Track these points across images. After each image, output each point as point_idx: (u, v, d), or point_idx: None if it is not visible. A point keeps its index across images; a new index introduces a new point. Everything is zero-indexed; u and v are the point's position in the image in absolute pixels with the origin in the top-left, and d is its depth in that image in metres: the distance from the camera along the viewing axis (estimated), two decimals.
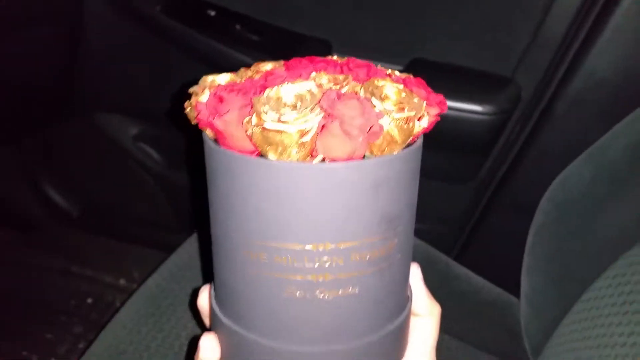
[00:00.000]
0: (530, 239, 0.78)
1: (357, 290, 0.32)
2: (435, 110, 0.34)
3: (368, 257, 0.31)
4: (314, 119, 0.28)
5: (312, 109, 0.28)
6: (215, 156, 0.32)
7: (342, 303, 0.32)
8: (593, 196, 0.68)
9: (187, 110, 0.35)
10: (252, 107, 0.29)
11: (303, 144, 0.28)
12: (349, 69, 0.35)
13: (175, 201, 1.20)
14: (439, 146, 0.85)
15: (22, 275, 1.25)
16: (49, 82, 0.97)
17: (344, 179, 0.29)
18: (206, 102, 0.32)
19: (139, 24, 0.91)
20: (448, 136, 0.83)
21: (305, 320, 0.32)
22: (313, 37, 0.89)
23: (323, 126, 0.29)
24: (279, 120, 0.28)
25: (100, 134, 1.11)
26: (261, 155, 0.30)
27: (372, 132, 0.29)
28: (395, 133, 0.30)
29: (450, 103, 0.80)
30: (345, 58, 0.37)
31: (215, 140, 0.32)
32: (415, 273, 0.41)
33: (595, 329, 0.59)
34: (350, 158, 0.29)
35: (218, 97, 0.31)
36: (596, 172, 0.68)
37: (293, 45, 0.88)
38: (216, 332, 0.37)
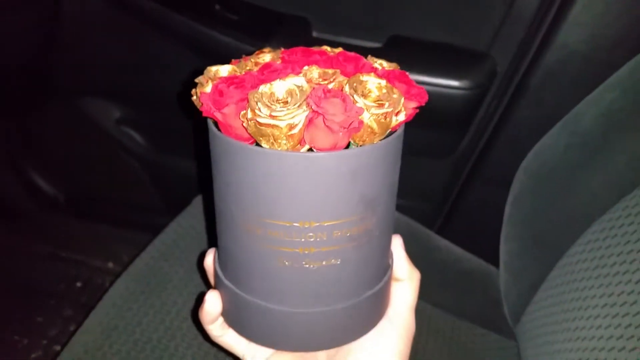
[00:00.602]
0: (507, 208, 0.80)
1: (338, 262, 0.37)
2: (413, 104, 0.37)
3: (348, 233, 0.36)
4: (301, 115, 0.32)
5: (299, 106, 0.32)
6: (217, 141, 0.36)
7: (325, 272, 0.37)
8: (567, 165, 0.70)
9: (194, 98, 0.39)
10: (248, 102, 0.33)
11: (291, 135, 0.32)
12: (339, 62, 0.39)
13: (161, 183, 1.20)
14: (418, 122, 0.86)
15: (10, 260, 1.25)
16: (29, 65, 0.97)
17: (326, 166, 0.33)
18: (208, 95, 0.35)
19: (119, 6, 0.91)
20: (426, 112, 0.84)
21: (294, 286, 0.37)
22: (292, 15, 0.89)
23: (310, 120, 0.32)
24: (270, 116, 0.32)
25: (83, 118, 1.11)
26: (257, 143, 0.34)
27: (352, 127, 0.32)
28: (375, 126, 0.34)
29: (427, 79, 0.81)
30: (338, 50, 0.41)
31: (218, 127, 0.36)
32: (397, 242, 0.46)
33: (570, 293, 0.61)
34: (332, 148, 0.33)
35: (219, 91, 0.35)
36: (570, 141, 0.70)
37: (272, 24, 0.89)
38: (220, 290, 0.42)
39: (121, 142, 1.13)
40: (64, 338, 1.09)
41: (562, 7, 0.73)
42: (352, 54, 0.40)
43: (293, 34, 0.89)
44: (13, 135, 1.21)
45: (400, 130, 0.38)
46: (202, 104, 0.35)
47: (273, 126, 0.32)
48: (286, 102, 0.33)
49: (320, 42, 0.88)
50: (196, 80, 0.39)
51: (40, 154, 1.25)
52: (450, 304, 0.76)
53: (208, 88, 0.36)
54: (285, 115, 0.32)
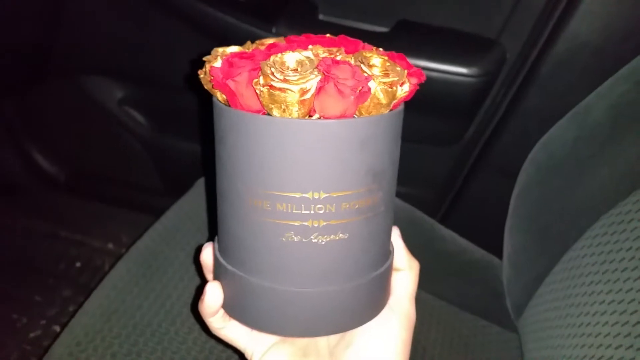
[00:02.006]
0: (513, 200, 0.79)
1: (346, 236, 0.37)
2: (414, 80, 0.38)
3: (357, 206, 0.36)
4: (313, 80, 0.33)
5: (311, 72, 0.33)
6: (226, 116, 0.36)
7: (334, 247, 0.37)
8: (575, 157, 0.69)
9: (201, 76, 0.39)
10: (260, 70, 0.33)
11: (303, 101, 0.33)
12: (341, 44, 0.40)
13: (162, 165, 1.19)
14: (425, 109, 0.86)
15: (9, 239, 1.25)
16: (31, 42, 0.96)
17: (336, 134, 0.34)
18: (219, 68, 0.36)
19: None
20: (433, 99, 0.84)
21: (302, 262, 0.37)
22: None
23: (320, 88, 0.33)
24: (284, 80, 0.32)
25: (85, 97, 1.10)
26: (266, 114, 0.35)
27: (362, 92, 0.33)
28: (381, 96, 0.34)
29: (435, 65, 0.80)
30: (338, 37, 0.42)
31: (225, 104, 0.37)
32: (395, 232, 0.45)
33: (575, 288, 0.60)
34: (342, 116, 0.34)
35: (229, 62, 0.35)
36: (578, 133, 0.69)
37: (278, 6, 0.87)
38: (220, 281, 0.42)
39: (123, 122, 1.13)
40: (63, 318, 1.09)
41: None
42: (352, 39, 0.41)
43: (299, 16, 0.87)
44: (14, 113, 1.20)
45: (402, 106, 0.39)
46: (212, 77, 0.36)
47: (286, 90, 0.32)
48: (297, 70, 0.33)
49: (327, 25, 0.87)
50: (204, 58, 0.39)
51: (42, 132, 1.24)
52: (452, 295, 0.76)
53: (218, 63, 0.37)
54: (299, 79, 0.32)
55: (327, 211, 0.35)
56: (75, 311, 0.64)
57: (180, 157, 1.14)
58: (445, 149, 0.96)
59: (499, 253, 0.82)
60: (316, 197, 0.35)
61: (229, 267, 0.40)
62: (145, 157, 1.18)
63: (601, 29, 0.73)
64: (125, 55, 1.01)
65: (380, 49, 0.40)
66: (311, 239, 0.36)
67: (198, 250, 0.69)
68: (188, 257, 0.70)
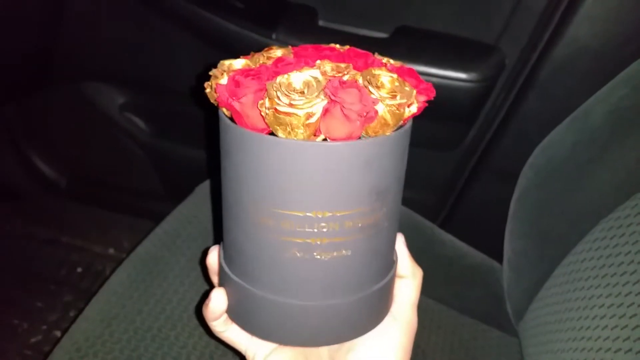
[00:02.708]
0: (512, 204, 0.79)
1: (349, 253, 0.37)
2: (423, 98, 0.38)
3: (360, 224, 0.36)
4: (319, 104, 0.33)
5: (317, 95, 0.33)
6: (231, 133, 0.36)
7: (336, 263, 0.37)
8: (574, 162, 0.69)
9: (207, 90, 0.39)
10: (266, 91, 0.33)
11: (309, 125, 0.33)
12: (350, 58, 0.39)
13: (163, 170, 1.20)
14: (424, 114, 0.85)
15: (11, 244, 1.25)
16: (32, 47, 0.96)
17: (341, 155, 0.34)
18: (225, 86, 0.35)
19: None
20: (433, 104, 0.83)
21: (305, 278, 0.37)
22: (298, 4, 0.88)
23: (326, 110, 0.33)
24: (290, 105, 0.32)
25: (86, 102, 1.10)
26: (271, 133, 0.34)
27: (368, 116, 0.33)
28: (388, 117, 0.34)
29: (434, 70, 0.80)
30: (347, 47, 0.42)
31: (231, 118, 0.36)
32: (400, 240, 0.45)
33: (575, 292, 0.60)
34: (348, 138, 0.34)
35: (235, 81, 0.35)
36: (578, 137, 0.69)
37: (278, 12, 0.88)
38: (225, 287, 0.42)
39: (124, 128, 1.13)
40: (64, 323, 1.09)
41: (574, 0, 0.72)
42: (362, 50, 0.41)
43: (299, 22, 0.88)
44: (15, 118, 1.20)
45: (409, 124, 0.38)
46: (217, 94, 0.36)
47: (292, 115, 0.32)
48: (303, 92, 0.33)
49: (326, 31, 0.88)
50: (210, 73, 0.39)
51: (43, 138, 1.25)
52: (452, 299, 0.76)
53: (223, 80, 0.37)
54: (304, 104, 0.32)
55: (330, 229, 0.36)
56: (77, 316, 0.64)
57: (181, 163, 1.14)
58: (446, 154, 0.96)
59: (499, 257, 0.82)
60: (320, 216, 0.35)
61: (234, 277, 0.41)
62: (146, 163, 1.18)
63: (600, 34, 0.73)
64: (126, 61, 1.02)
65: (390, 62, 0.40)
66: (314, 255, 0.36)
67: (204, 253, 0.70)
68: (188, 262, 0.70)
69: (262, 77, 0.35)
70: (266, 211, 0.36)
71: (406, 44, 0.84)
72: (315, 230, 0.35)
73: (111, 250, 1.26)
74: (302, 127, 0.33)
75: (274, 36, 0.85)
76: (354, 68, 0.37)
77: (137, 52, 0.99)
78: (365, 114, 0.33)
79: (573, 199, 0.67)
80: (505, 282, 0.79)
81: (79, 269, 1.22)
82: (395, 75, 0.36)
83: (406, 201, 0.87)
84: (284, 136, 0.34)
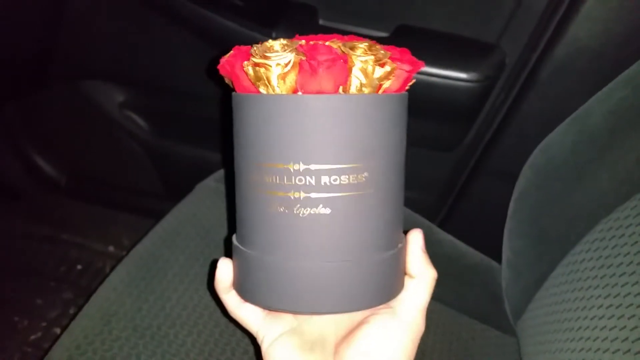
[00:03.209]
0: (512, 204, 0.79)
1: (327, 211, 0.38)
2: (407, 67, 0.40)
3: (337, 181, 0.38)
4: (289, 56, 0.37)
5: (289, 50, 0.37)
6: (233, 100, 0.41)
7: (315, 221, 0.38)
8: (574, 162, 0.69)
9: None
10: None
11: (283, 76, 0.37)
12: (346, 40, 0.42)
13: (163, 168, 1.20)
14: (424, 114, 0.86)
15: (10, 242, 1.25)
16: (32, 46, 0.96)
17: (311, 107, 0.37)
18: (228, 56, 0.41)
19: None
20: (433, 103, 0.84)
21: (289, 235, 0.39)
22: (299, 3, 0.88)
23: (301, 66, 0.37)
24: (263, 56, 0.37)
25: (86, 101, 1.11)
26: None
27: (336, 67, 0.36)
28: (359, 73, 0.37)
29: (434, 70, 0.80)
30: (348, 36, 0.43)
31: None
32: (417, 239, 0.46)
33: (574, 292, 0.61)
34: (320, 91, 0.37)
35: (234, 51, 0.41)
36: (578, 138, 0.69)
37: (278, 11, 0.88)
38: (233, 261, 0.45)
39: (124, 126, 1.13)
40: (63, 321, 1.10)
41: (574, 0, 0.72)
42: (364, 39, 0.42)
43: (299, 21, 0.88)
44: (16, 116, 1.20)
45: (397, 95, 0.40)
46: (219, 67, 0.41)
47: (264, 65, 0.37)
48: (278, 50, 0.37)
49: (327, 30, 0.88)
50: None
51: (43, 136, 1.25)
52: (451, 299, 0.76)
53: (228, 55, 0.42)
54: (276, 56, 0.36)
55: (307, 183, 0.37)
56: (76, 314, 0.65)
57: (181, 161, 1.14)
58: (445, 153, 0.96)
59: (498, 257, 0.83)
60: (296, 168, 0.37)
61: (235, 242, 0.44)
62: (146, 161, 1.18)
63: (601, 34, 0.73)
64: (127, 60, 1.02)
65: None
66: (294, 210, 0.38)
67: (204, 246, 0.71)
68: (188, 260, 0.70)
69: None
70: (254, 167, 0.39)
71: (406, 43, 0.84)
72: (293, 183, 0.38)
73: (111, 248, 1.26)
74: (276, 80, 0.37)
75: (274, 35, 0.85)
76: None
77: (137, 50, 0.99)
78: (331, 64, 0.36)
79: (572, 199, 0.68)
80: (503, 282, 0.80)
81: (79, 267, 1.22)
82: (373, 44, 0.39)
83: (405, 200, 0.87)
84: (265, 92, 0.38)
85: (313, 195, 0.37)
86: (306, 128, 0.37)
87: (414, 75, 0.42)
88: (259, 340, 0.46)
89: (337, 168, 0.37)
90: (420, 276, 0.44)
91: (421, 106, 0.83)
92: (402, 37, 0.85)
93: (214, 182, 0.83)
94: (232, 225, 0.75)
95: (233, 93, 0.41)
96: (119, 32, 0.98)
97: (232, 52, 0.41)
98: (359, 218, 0.39)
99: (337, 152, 0.37)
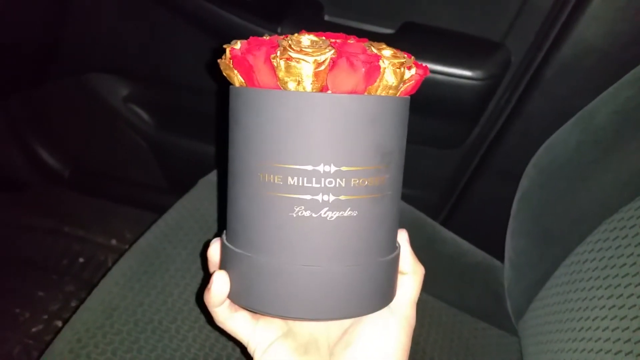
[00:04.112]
0: (515, 203, 0.79)
1: (355, 214, 0.38)
2: (420, 71, 0.40)
3: (366, 183, 0.37)
4: (327, 53, 0.35)
5: (326, 47, 0.35)
6: (242, 96, 0.38)
7: (343, 224, 0.38)
8: (578, 162, 0.69)
9: (220, 60, 0.41)
10: (277, 47, 0.36)
11: (317, 74, 0.35)
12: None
13: (166, 162, 1.20)
14: (429, 111, 0.86)
15: (13, 234, 1.25)
16: (37, 39, 0.96)
17: (346, 108, 0.36)
18: (239, 48, 0.39)
19: None
20: (437, 101, 0.84)
21: (312, 238, 0.38)
22: None
23: (334, 63, 0.35)
24: (300, 51, 0.35)
25: (91, 94, 1.11)
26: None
27: (372, 67, 0.35)
28: (390, 76, 0.36)
29: (439, 68, 0.80)
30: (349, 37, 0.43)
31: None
32: (403, 236, 0.45)
33: (576, 293, 0.60)
34: (353, 91, 0.36)
35: (249, 42, 0.39)
36: (582, 138, 0.69)
37: (284, 6, 0.88)
38: (227, 269, 0.42)
39: (128, 120, 1.13)
40: (65, 313, 1.10)
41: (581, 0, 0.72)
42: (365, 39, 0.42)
43: (305, 16, 0.87)
44: (20, 109, 1.20)
45: (408, 98, 0.40)
46: (231, 56, 0.38)
47: (301, 61, 0.35)
48: (313, 45, 0.36)
49: (332, 26, 0.87)
50: (225, 45, 0.41)
51: (47, 129, 1.25)
52: (453, 297, 0.76)
53: (237, 46, 0.39)
54: (314, 52, 0.35)
55: (337, 185, 0.36)
56: (78, 307, 0.65)
57: (184, 155, 1.14)
58: (449, 151, 0.96)
59: (500, 256, 0.82)
60: (327, 170, 0.36)
61: (237, 249, 0.41)
62: (149, 155, 1.18)
63: (607, 34, 0.73)
64: (131, 54, 1.02)
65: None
66: (321, 214, 0.37)
67: (205, 246, 0.70)
68: (190, 255, 0.70)
69: (273, 41, 0.38)
70: (273, 168, 0.37)
71: (412, 41, 0.84)
72: (322, 185, 0.36)
73: (113, 242, 1.27)
74: (311, 77, 0.35)
75: (279, 30, 0.84)
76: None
77: (141, 44, 0.99)
78: (369, 64, 0.35)
79: (576, 199, 0.67)
80: (506, 281, 0.80)
81: (81, 260, 1.22)
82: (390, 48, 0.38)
83: (408, 198, 0.88)
84: (293, 89, 0.36)
85: (342, 197, 0.37)
86: (339, 128, 0.36)
87: None
88: (251, 350, 0.45)
89: (366, 170, 0.37)
90: (413, 272, 0.45)
91: (426, 104, 0.82)
92: (407, 34, 0.85)
93: (216, 177, 0.83)
94: (221, 225, 0.75)
95: (245, 88, 0.38)
96: (124, 26, 0.97)
97: (242, 43, 0.39)
98: (380, 220, 0.39)
99: (367, 153, 0.37)
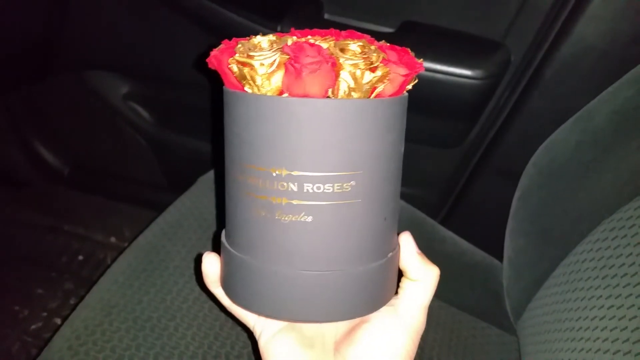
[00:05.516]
0: (514, 203, 0.79)
1: (309, 219, 0.37)
2: (403, 70, 0.37)
3: (321, 189, 0.36)
4: (274, 56, 0.35)
5: (275, 50, 0.35)
6: (223, 95, 0.39)
7: (296, 228, 0.37)
8: (577, 162, 0.69)
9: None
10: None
11: (267, 76, 0.35)
12: (346, 37, 0.40)
13: (166, 160, 1.20)
14: (428, 110, 0.86)
15: (12, 231, 1.26)
16: (36, 36, 0.96)
17: (295, 112, 0.35)
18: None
19: None
20: (437, 100, 0.84)
21: (269, 239, 0.38)
22: None
23: (287, 67, 0.35)
24: (247, 56, 0.35)
25: (90, 91, 1.11)
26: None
27: (322, 70, 0.34)
28: (348, 77, 0.35)
29: (439, 67, 0.80)
30: (346, 31, 0.42)
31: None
32: (410, 243, 0.44)
33: (575, 292, 0.60)
34: (305, 95, 0.35)
35: (223, 45, 0.39)
36: (581, 137, 0.69)
37: (284, 5, 0.87)
38: (222, 263, 0.44)
39: (127, 117, 1.13)
40: (64, 311, 1.10)
41: None
42: (361, 34, 0.40)
43: (305, 15, 0.87)
44: (19, 106, 1.20)
45: (389, 99, 0.37)
46: (208, 60, 0.39)
47: (249, 65, 0.35)
48: (264, 48, 0.36)
49: (332, 24, 0.87)
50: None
51: (46, 126, 1.25)
52: (452, 297, 0.76)
53: (219, 48, 0.40)
54: (260, 56, 0.35)
55: (289, 189, 0.36)
56: (77, 304, 0.65)
57: (184, 153, 1.14)
58: (448, 151, 0.96)
59: (499, 255, 0.82)
60: (279, 173, 0.36)
61: (223, 240, 0.42)
62: (148, 153, 1.18)
63: (607, 33, 0.73)
64: (131, 51, 1.02)
65: (383, 42, 0.40)
66: (275, 215, 0.37)
67: (207, 240, 0.71)
68: (189, 253, 0.70)
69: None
70: (239, 167, 0.38)
71: (411, 40, 0.84)
72: (275, 188, 0.36)
73: (112, 239, 1.27)
74: (261, 80, 0.35)
75: (279, 28, 0.84)
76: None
77: (141, 42, 0.99)
78: (317, 67, 0.34)
79: (575, 199, 0.67)
80: (505, 281, 0.80)
81: (80, 257, 1.22)
82: (367, 44, 0.36)
83: (407, 197, 0.88)
84: (250, 91, 0.36)
85: (295, 202, 0.36)
86: (290, 132, 0.35)
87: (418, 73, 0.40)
88: (256, 334, 0.45)
89: (321, 176, 0.36)
90: (423, 278, 0.44)
91: (425, 103, 0.82)
92: (407, 33, 0.85)
93: (214, 175, 0.83)
94: (221, 220, 0.75)
95: (223, 88, 0.39)
96: (124, 24, 0.97)
97: (220, 45, 0.39)
98: (343, 228, 0.38)
99: (321, 159, 0.36)
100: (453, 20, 0.84)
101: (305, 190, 0.36)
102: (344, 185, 0.36)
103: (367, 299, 0.41)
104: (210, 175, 0.83)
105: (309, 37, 0.38)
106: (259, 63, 0.35)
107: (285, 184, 0.36)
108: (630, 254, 0.53)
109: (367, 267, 0.39)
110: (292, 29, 0.42)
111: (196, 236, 0.72)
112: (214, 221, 0.75)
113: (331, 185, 0.36)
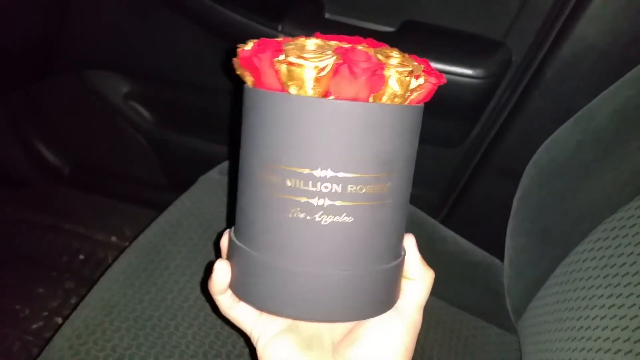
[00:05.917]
0: (515, 202, 0.79)
1: (351, 220, 0.37)
2: (434, 80, 0.39)
3: (363, 190, 0.37)
4: (329, 59, 0.35)
5: (328, 53, 0.35)
6: (249, 95, 0.39)
7: (337, 229, 0.38)
8: (578, 161, 0.69)
9: (234, 59, 0.41)
10: (282, 51, 0.36)
11: (319, 80, 0.35)
12: (367, 46, 0.41)
13: (166, 160, 1.20)
14: (429, 110, 0.85)
15: (13, 231, 1.26)
16: (37, 35, 0.96)
17: (345, 114, 0.36)
18: (249, 49, 0.38)
19: None
20: (437, 100, 0.83)
21: (305, 241, 0.38)
22: None
23: (336, 70, 0.35)
24: (301, 57, 0.35)
25: (91, 91, 1.10)
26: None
27: (375, 76, 0.35)
28: (395, 84, 0.36)
29: (440, 66, 0.80)
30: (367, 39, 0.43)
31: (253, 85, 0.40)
32: (411, 242, 0.45)
33: (576, 292, 0.60)
34: (355, 99, 0.36)
35: (258, 43, 0.39)
36: (582, 137, 0.69)
37: (285, 4, 0.87)
38: (231, 260, 0.43)
39: (128, 117, 1.13)
40: (65, 310, 1.10)
41: None
42: (379, 42, 0.42)
43: (306, 14, 0.87)
44: (20, 106, 1.20)
45: (420, 107, 0.40)
46: (240, 57, 0.39)
47: (302, 66, 0.35)
48: (315, 50, 0.36)
49: (333, 24, 0.87)
50: (239, 45, 0.41)
51: (47, 125, 1.25)
52: (452, 296, 0.76)
53: (248, 47, 0.39)
54: (314, 57, 0.35)
55: (333, 191, 0.36)
56: (78, 303, 0.65)
57: (184, 153, 1.14)
58: (449, 150, 0.96)
59: (500, 255, 0.82)
60: (323, 174, 0.36)
61: (239, 243, 0.42)
62: (149, 152, 1.18)
63: (607, 33, 0.73)
64: (131, 51, 1.02)
65: (383, 45, 0.41)
66: (315, 217, 0.37)
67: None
68: (190, 252, 0.70)
69: (282, 42, 0.38)
70: (272, 168, 0.37)
71: (412, 39, 0.84)
72: (317, 190, 0.36)
73: (113, 239, 1.27)
74: (312, 82, 0.35)
75: (280, 28, 0.84)
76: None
77: (142, 41, 0.99)
78: (371, 72, 0.35)
79: (576, 198, 0.67)
80: (505, 280, 0.80)
81: (81, 256, 1.22)
82: (401, 52, 0.38)
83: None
84: (295, 92, 0.36)
85: (338, 203, 0.37)
86: (337, 134, 0.36)
87: None
88: (254, 340, 0.45)
89: (364, 177, 0.37)
90: (421, 278, 0.45)
91: (425, 102, 0.82)
92: (408, 32, 0.85)
93: (217, 175, 0.83)
94: (231, 219, 0.75)
95: (253, 89, 0.39)
96: (125, 23, 0.97)
97: (253, 44, 0.39)
98: (378, 228, 0.39)
99: (366, 160, 0.37)
100: (454, 20, 0.84)
101: (348, 192, 0.37)
102: (382, 186, 0.38)
103: (389, 296, 0.42)
104: (210, 174, 0.83)
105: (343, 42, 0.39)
106: (313, 65, 0.35)
107: (329, 185, 0.36)
108: (631, 253, 0.53)
109: (389, 266, 0.41)
110: (317, 34, 0.42)
111: (197, 235, 0.72)
112: (215, 221, 0.75)
113: (371, 186, 0.37)
